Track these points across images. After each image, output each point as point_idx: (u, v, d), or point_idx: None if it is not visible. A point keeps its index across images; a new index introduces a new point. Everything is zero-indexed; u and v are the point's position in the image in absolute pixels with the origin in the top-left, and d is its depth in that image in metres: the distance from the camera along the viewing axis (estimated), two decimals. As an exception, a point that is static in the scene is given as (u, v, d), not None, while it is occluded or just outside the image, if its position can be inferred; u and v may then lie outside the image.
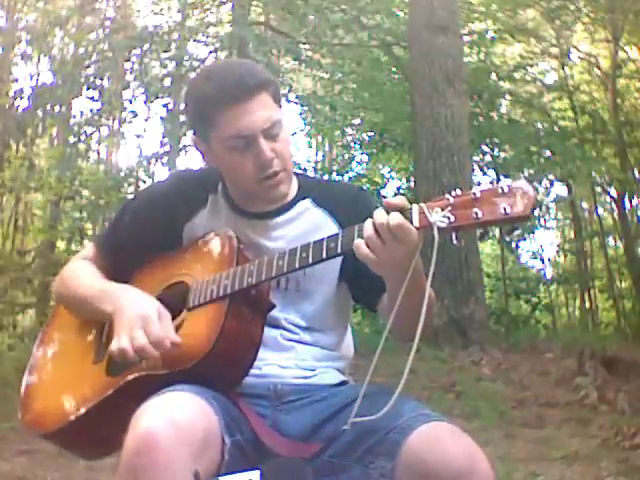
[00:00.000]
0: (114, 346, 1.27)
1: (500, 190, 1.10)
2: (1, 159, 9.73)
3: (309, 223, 1.45)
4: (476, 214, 1.10)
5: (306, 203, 1.48)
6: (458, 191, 1.14)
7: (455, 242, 1.13)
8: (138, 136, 10.46)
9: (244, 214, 1.46)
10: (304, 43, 9.90)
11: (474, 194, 1.12)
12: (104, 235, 1.65)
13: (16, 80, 10.42)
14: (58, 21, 9.69)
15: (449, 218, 1.12)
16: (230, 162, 1.39)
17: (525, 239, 11.73)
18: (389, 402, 1.16)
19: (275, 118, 1.36)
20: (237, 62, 1.46)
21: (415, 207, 1.16)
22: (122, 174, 10.10)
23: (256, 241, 1.43)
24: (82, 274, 1.51)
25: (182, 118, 8.75)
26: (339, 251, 1.22)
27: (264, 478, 1.15)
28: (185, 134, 9.11)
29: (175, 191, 1.50)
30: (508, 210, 1.08)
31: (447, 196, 1.14)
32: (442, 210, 1.13)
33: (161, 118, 9.96)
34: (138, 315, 1.28)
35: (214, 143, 1.39)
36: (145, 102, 9.53)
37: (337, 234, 1.23)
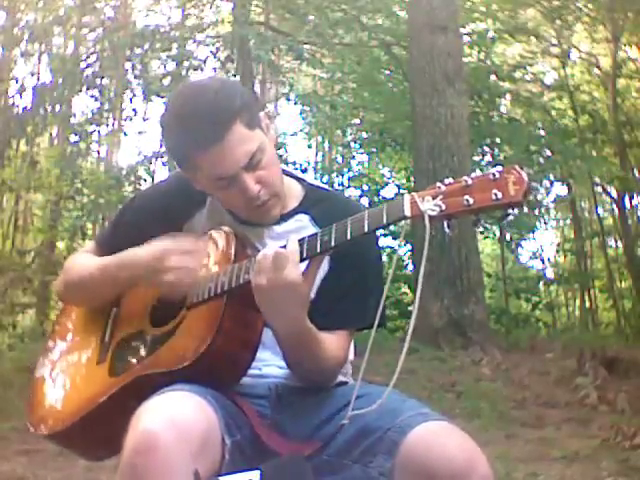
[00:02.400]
0: (164, 288, 1.33)
1: (491, 176, 1.09)
2: (1, 157, 9.73)
3: None
4: (467, 201, 1.09)
5: (305, 219, 1.45)
6: (450, 179, 1.14)
7: (447, 231, 1.12)
8: (139, 133, 10.46)
9: (241, 220, 1.45)
10: (305, 43, 9.90)
11: (465, 181, 1.11)
12: (104, 233, 1.66)
13: (16, 79, 10.41)
14: (58, 20, 9.68)
15: (440, 206, 1.11)
16: (219, 197, 1.41)
17: (525, 239, 11.75)
18: (387, 400, 1.17)
19: (254, 149, 1.33)
20: (201, 96, 1.33)
21: (406, 196, 1.15)
22: (123, 173, 10.10)
23: (254, 246, 1.42)
24: (88, 258, 1.53)
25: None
26: (333, 244, 1.21)
27: (264, 478, 1.15)
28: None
29: (175, 191, 1.50)
30: (499, 196, 1.07)
31: (438, 184, 1.13)
32: (433, 199, 1.12)
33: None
34: (153, 257, 1.35)
35: (199, 180, 1.39)
36: (144, 99, 9.52)
37: (330, 226, 1.22)
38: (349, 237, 1.19)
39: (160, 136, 1.43)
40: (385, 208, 1.17)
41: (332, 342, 1.34)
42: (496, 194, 1.07)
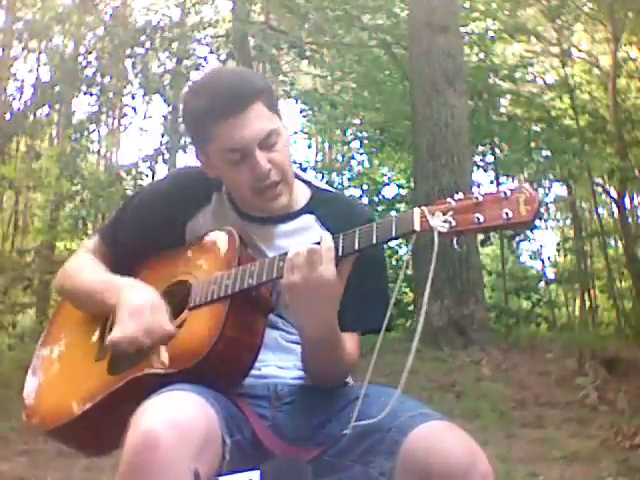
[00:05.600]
0: (109, 339, 1.30)
1: (503, 195, 1.09)
2: (1, 153, 9.71)
3: (311, 241, 1.39)
4: (478, 219, 1.09)
5: (311, 219, 1.45)
6: (460, 195, 1.14)
7: (456, 247, 1.12)
8: (140, 129, 10.48)
9: (247, 217, 1.45)
10: (306, 43, 9.89)
11: (476, 198, 1.11)
12: (108, 227, 1.63)
13: (14, 75, 10.42)
14: (58, 17, 9.69)
15: (450, 223, 1.11)
16: (227, 174, 1.39)
17: (525, 239, 11.74)
18: (388, 403, 1.16)
19: (270, 128, 1.35)
20: (229, 72, 1.43)
21: (417, 210, 1.15)
22: (123, 170, 10.10)
23: (258, 246, 1.42)
24: (87, 268, 1.51)
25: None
26: (340, 254, 1.21)
27: (264, 478, 1.15)
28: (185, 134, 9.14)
29: (178, 189, 1.50)
30: (510, 215, 1.07)
31: (449, 200, 1.13)
32: (443, 214, 1.12)
33: (163, 117, 9.98)
34: (132, 307, 1.31)
35: (211, 155, 1.39)
36: (144, 96, 9.52)
37: (338, 236, 1.23)
38: (357, 247, 1.20)
39: (182, 107, 1.45)
40: (394, 221, 1.17)
41: (347, 343, 1.34)
42: (507, 213, 1.07)
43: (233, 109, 1.31)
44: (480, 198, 1.10)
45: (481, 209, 1.10)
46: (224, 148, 1.34)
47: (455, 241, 1.12)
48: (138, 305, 1.31)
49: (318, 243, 1.21)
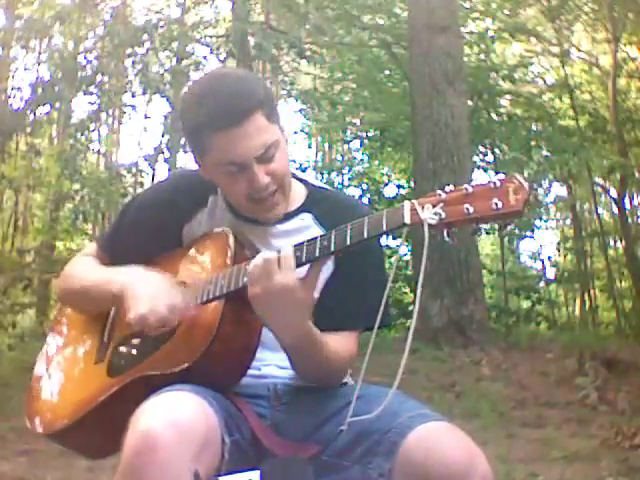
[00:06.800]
0: (133, 315, 1.27)
1: (492, 185, 1.08)
2: (1, 152, 9.71)
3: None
4: (467, 210, 1.08)
5: (308, 218, 1.45)
6: (451, 187, 1.13)
7: (447, 239, 1.11)
8: (143, 127, 10.49)
9: (243, 218, 1.44)
10: (306, 43, 9.90)
11: (466, 190, 1.10)
12: (106, 234, 1.65)
13: (14, 74, 10.43)
14: (58, 16, 9.68)
15: (440, 214, 1.10)
16: (224, 183, 1.39)
17: (525, 237, 11.74)
18: (385, 401, 1.16)
19: (270, 141, 1.32)
20: (228, 80, 1.35)
21: (406, 204, 1.15)
22: (124, 168, 10.11)
23: (255, 246, 1.42)
24: (86, 267, 1.52)
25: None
26: (332, 249, 1.20)
27: (264, 478, 1.15)
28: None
29: (178, 192, 1.49)
30: (500, 205, 1.06)
31: (439, 192, 1.13)
32: (433, 206, 1.11)
33: (164, 116, 9.99)
34: (153, 287, 1.31)
35: (208, 165, 1.38)
36: (144, 93, 9.51)
37: (330, 232, 1.22)
38: (348, 243, 1.18)
39: (180, 113, 1.40)
40: (385, 215, 1.16)
41: (337, 343, 1.34)
42: (497, 203, 1.06)
43: (231, 121, 1.28)
44: (470, 189, 1.10)
45: (471, 200, 1.09)
46: (222, 160, 1.32)
47: (446, 233, 1.11)
48: (159, 285, 1.32)
49: (279, 252, 1.21)
